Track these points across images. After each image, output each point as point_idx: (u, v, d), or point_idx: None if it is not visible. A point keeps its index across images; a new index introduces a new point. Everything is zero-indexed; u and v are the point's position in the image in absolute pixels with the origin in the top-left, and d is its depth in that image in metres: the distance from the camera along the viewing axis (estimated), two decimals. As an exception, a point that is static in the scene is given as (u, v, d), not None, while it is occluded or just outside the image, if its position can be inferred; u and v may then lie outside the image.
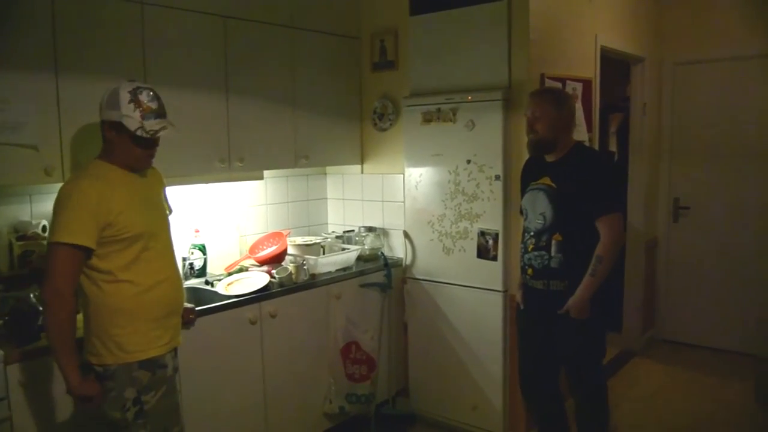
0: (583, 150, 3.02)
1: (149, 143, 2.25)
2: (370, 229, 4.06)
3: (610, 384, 4.26)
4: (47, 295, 2.08)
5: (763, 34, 4.67)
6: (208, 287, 3.28)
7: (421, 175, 3.76)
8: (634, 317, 5.15)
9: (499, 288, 3.49)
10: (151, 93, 2.24)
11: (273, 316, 3.22)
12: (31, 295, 2.46)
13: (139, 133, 2.18)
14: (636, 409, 4.05)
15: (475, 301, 3.59)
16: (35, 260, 2.70)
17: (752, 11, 4.71)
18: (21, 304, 2.43)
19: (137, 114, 2.17)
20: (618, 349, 5.09)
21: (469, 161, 3.54)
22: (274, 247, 3.57)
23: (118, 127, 2.18)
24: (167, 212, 2.50)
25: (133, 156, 2.24)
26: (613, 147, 5.75)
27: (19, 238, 2.74)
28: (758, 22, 4.69)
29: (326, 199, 4.41)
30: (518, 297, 3.13)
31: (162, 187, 2.51)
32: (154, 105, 2.23)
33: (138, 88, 2.21)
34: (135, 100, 2.18)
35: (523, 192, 3.10)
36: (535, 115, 2.90)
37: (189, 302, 2.77)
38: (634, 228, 5.05)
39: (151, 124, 2.20)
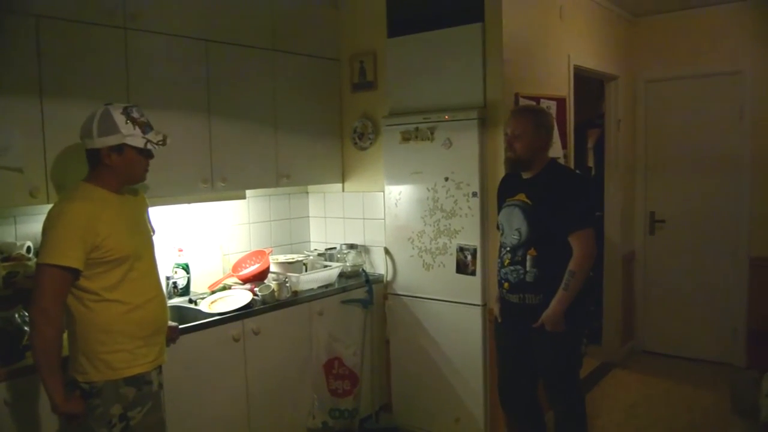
0: (556, 167, 3.10)
1: (152, 154, 2.37)
2: (351, 247, 4.12)
3: (590, 395, 4.37)
4: (34, 314, 2.12)
5: (730, 53, 4.83)
6: (192, 305, 3.32)
7: (400, 192, 3.84)
8: (613, 329, 5.23)
9: (478, 302, 3.56)
10: (139, 109, 2.33)
11: (256, 333, 3.27)
12: (16, 315, 2.49)
13: (149, 146, 2.29)
14: (615, 420, 4.12)
15: (455, 315, 3.65)
16: (20, 281, 2.71)
17: (720, 31, 4.87)
18: (6, 323, 2.45)
19: (138, 131, 2.27)
20: (598, 360, 5.17)
21: (447, 179, 3.62)
22: (257, 265, 3.62)
23: (121, 148, 2.25)
24: (151, 233, 2.55)
25: (140, 170, 2.35)
26: (590, 162, 5.87)
27: (3, 260, 2.77)
28: (726, 42, 4.85)
29: (308, 217, 4.48)
30: (496, 311, 3.20)
31: (146, 208, 2.56)
32: (145, 119, 2.32)
33: (126, 107, 2.29)
34: (131, 119, 2.26)
35: (499, 208, 3.17)
36: (515, 133, 2.97)
37: (173, 320, 2.81)
38: (611, 242, 5.16)
39: (152, 136, 2.31)
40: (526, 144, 2.95)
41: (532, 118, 3.01)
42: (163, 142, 2.34)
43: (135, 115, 2.28)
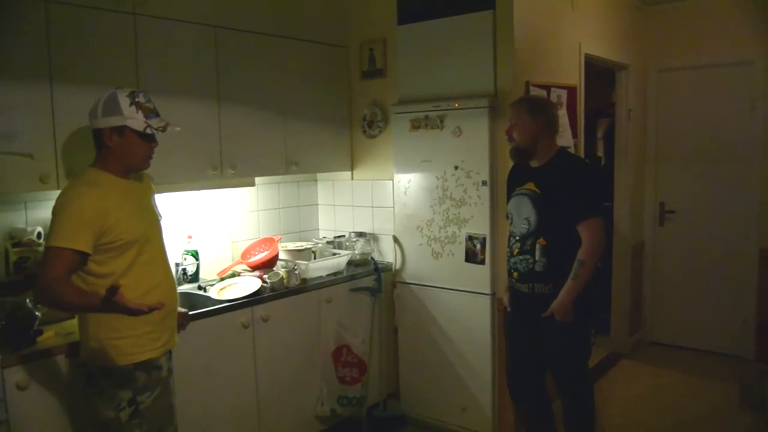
0: (565, 156, 3.08)
1: (154, 140, 2.36)
2: (360, 235, 4.12)
3: (598, 386, 4.36)
4: (38, 296, 2.17)
5: (742, 43, 4.78)
6: (201, 292, 3.33)
7: (409, 181, 3.83)
8: (621, 320, 5.22)
9: (487, 291, 3.56)
10: (146, 95, 2.34)
11: (265, 320, 3.27)
12: (27, 300, 2.50)
13: (148, 131, 2.29)
14: (623, 411, 4.11)
15: (464, 304, 3.65)
16: (30, 266, 2.73)
17: (732, 20, 4.82)
18: (17, 308, 2.47)
19: (140, 115, 2.28)
20: (606, 351, 5.16)
21: (456, 167, 3.61)
22: (266, 253, 3.63)
23: (122, 130, 2.26)
24: (159, 218, 2.55)
25: (140, 155, 2.34)
26: (600, 152, 5.84)
27: (14, 245, 2.78)
28: (738, 31, 4.80)
29: (317, 205, 4.47)
30: (505, 300, 3.19)
31: (152, 193, 2.56)
32: (151, 105, 2.33)
33: (134, 91, 2.31)
34: (135, 103, 2.27)
35: (508, 197, 3.16)
36: (513, 122, 2.99)
37: (182, 307, 2.81)
38: (620, 232, 5.14)
39: (155, 122, 2.31)
40: (523, 131, 2.96)
41: (526, 106, 3.01)
42: (163, 129, 2.34)
43: (140, 99, 2.30)
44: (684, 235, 5.24)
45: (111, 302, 2.01)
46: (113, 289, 2.00)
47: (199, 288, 3.38)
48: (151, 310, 2.09)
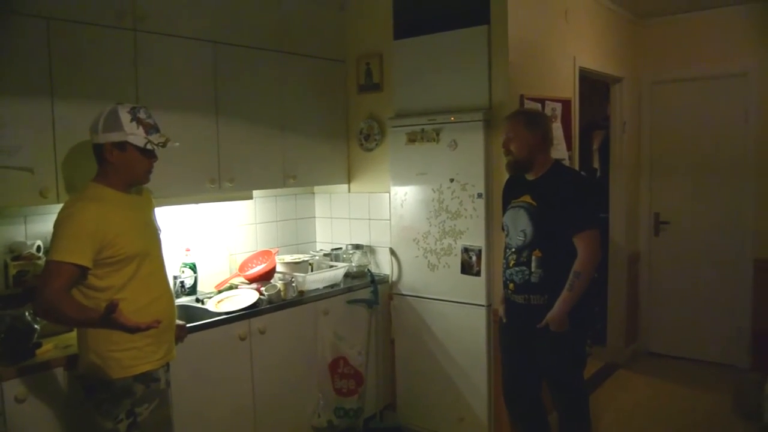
0: (561, 169, 3.11)
1: (154, 155, 2.40)
2: (357, 247, 4.15)
3: (594, 396, 4.38)
4: (38, 310, 2.20)
5: (735, 54, 4.84)
6: (199, 305, 3.35)
7: (406, 193, 3.86)
8: (617, 330, 5.24)
9: (483, 303, 3.58)
10: (146, 111, 2.38)
11: (262, 333, 3.29)
12: (26, 314, 2.52)
13: (149, 147, 2.33)
14: (619, 421, 4.12)
15: (460, 315, 3.67)
16: (30, 280, 2.75)
17: (725, 33, 4.87)
18: (16, 321, 2.48)
19: (141, 131, 2.31)
20: (602, 361, 5.17)
21: (452, 180, 3.64)
22: (263, 265, 3.64)
23: (123, 146, 2.29)
24: (158, 232, 2.58)
25: (140, 170, 2.38)
26: (595, 164, 5.88)
27: (14, 259, 2.80)
28: (731, 43, 4.85)
29: (314, 217, 4.50)
30: (501, 311, 3.21)
31: (152, 208, 2.59)
32: (152, 121, 2.37)
33: (134, 107, 2.35)
34: (136, 119, 2.31)
35: (504, 209, 3.19)
36: (509, 136, 3.01)
37: (180, 319, 2.83)
38: (616, 243, 5.17)
39: (156, 138, 2.35)
40: (520, 144, 2.99)
41: (522, 119, 3.04)
42: (164, 144, 2.38)
43: (141, 115, 2.34)
44: (679, 246, 5.27)
45: (110, 319, 2.03)
46: (112, 306, 2.01)
47: (197, 300, 3.40)
48: (148, 328, 2.11)
